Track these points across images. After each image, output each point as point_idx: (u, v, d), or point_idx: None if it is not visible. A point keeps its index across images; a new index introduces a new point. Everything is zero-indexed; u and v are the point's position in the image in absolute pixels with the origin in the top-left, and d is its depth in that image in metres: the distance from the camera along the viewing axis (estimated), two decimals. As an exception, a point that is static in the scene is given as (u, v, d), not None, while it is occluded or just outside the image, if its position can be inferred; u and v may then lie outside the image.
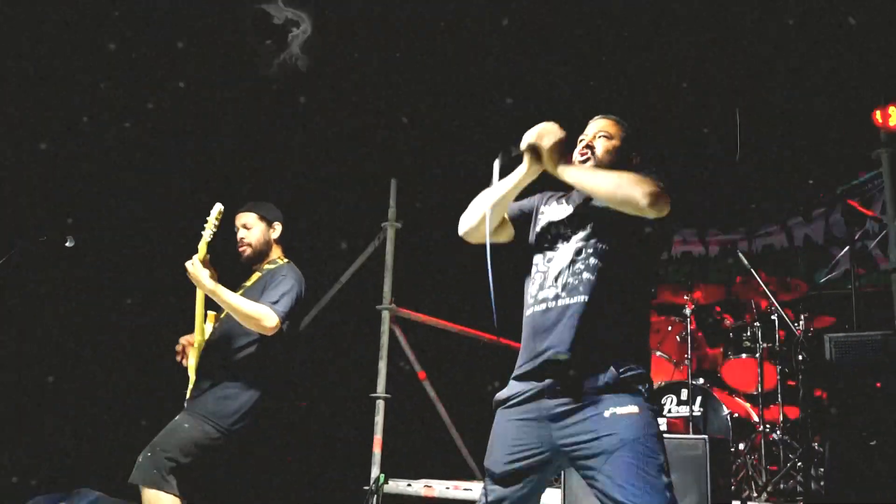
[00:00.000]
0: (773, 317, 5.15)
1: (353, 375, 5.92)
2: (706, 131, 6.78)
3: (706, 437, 3.57)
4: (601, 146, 2.50)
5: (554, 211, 2.52)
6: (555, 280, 2.35)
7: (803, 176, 6.97)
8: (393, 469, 5.53)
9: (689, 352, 5.26)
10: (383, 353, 5.66)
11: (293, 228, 6.33)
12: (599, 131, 2.53)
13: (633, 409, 2.17)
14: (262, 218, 3.65)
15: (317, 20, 5.44)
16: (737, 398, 5.33)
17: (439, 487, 5.10)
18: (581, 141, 2.55)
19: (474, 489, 4.94)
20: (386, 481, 5.29)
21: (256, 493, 5.17)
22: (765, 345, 5.08)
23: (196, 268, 3.23)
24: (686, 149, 7.17)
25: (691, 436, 3.66)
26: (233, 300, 3.26)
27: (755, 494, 4.58)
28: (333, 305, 6.21)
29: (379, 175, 6.27)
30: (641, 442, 2.13)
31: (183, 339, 3.52)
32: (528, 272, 2.48)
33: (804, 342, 4.72)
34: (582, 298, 2.27)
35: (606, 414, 2.17)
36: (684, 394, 5.15)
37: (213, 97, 5.63)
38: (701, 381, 5.15)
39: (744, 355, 5.26)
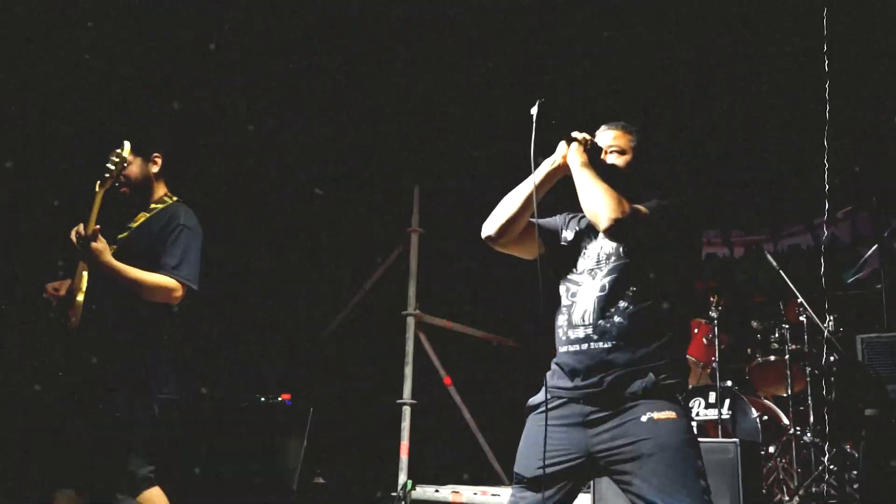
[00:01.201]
0: (801, 318, 5.10)
1: (379, 382, 5.94)
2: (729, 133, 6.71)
3: (737, 440, 3.54)
4: (614, 163, 2.43)
5: (579, 240, 2.46)
6: (582, 318, 2.30)
7: (829, 175, 6.89)
8: (420, 475, 5.55)
9: (717, 354, 5.23)
10: (409, 359, 5.68)
11: (317, 237, 6.45)
12: (610, 146, 2.44)
13: (671, 413, 2.15)
14: (137, 151, 3.09)
15: (342, 23, 5.47)
16: (766, 401, 5.28)
17: (467, 493, 5.10)
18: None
19: (502, 494, 4.93)
20: (413, 487, 5.30)
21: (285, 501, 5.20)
22: (793, 346, 5.03)
23: (100, 241, 2.82)
24: (708, 148, 7.12)
25: (722, 440, 3.63)
26: (135, 276, 2.88)
27: (787, 498, 4.53)
28: (358, 312, 6.24)
29: (403, 182, 6.30)
30: (679, 447, 2.11)
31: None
32: (556, 299, 2.44)
33: (834, 343, 4.66)
34: (613, 343, 2.25)
35: (644, 418, 2.15)
36: (712, 397, 5.12)
37: (238, 100, 5.67)
38: (729, 383, 5.11)
39: (772, 357, 5.21)
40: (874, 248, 6.49)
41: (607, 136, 2.46)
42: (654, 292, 2.28)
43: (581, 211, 2.41)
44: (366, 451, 5.73)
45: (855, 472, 4.51)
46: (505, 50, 5.82)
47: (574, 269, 2.41)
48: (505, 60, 5.96)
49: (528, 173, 2.38)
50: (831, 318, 4.93)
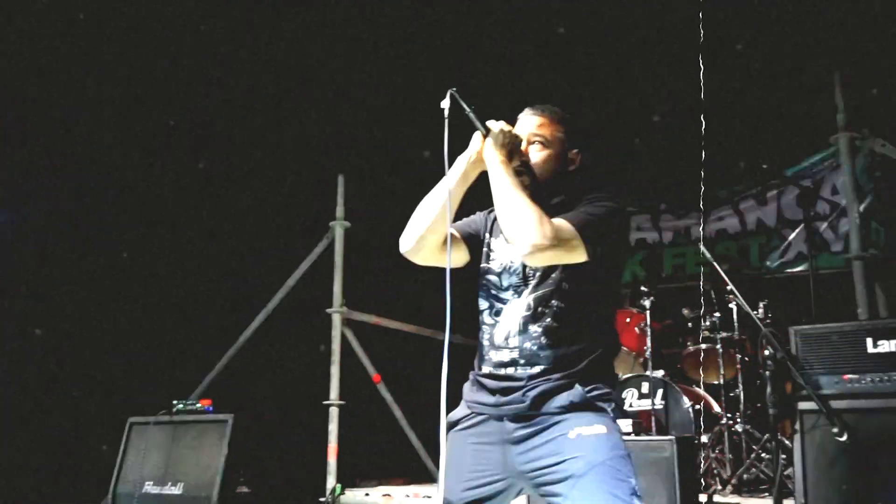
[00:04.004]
0: (730, 305, 5.08)
1: (304, 383, 5.69)
2: (657, 118, 6.69)
3: (673, 437, 3.46)
4: (536, 156, 2.17)
5: (502, 250, 2.23)
6: (506, 341, 2.12)
7: (756, 158, 6.93)
8: (350, 478, 5.35)
9: (649, 344, 5.17)
10: (335, 357, 5.45)
11: (237, 232, 6.15)
12: (533, 136, 2.18)
13: (601, 428, 2.01)
14: None
15: (264, 17, 5.23)
16: (697, 389, 5.25)
17: (398, 496, 4.92)
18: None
19: (434, 497, 4.77)
20: (343, 492, 5.09)
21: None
22: (724, 334, 5.01)
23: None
24: (637, 133, 7.09)
25: (659, 437, 3.55)
26: None
27: (720, 487, 4.50)
28: (282, 310, 5.95)
29: (326, 171, 6.03)
30: (610, 464, 1.96)
31: None
32: (478, 311, 2.24)
33: (766, 331, 4.63)
34: (542, 366, 2.08)
35: (571, 435, 2.00)
36: (645, 387, 5.06)
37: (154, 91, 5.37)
38: (661, 373, 5.06)
39: (703, 345, 5.18)
40: (798, 229, 6.56)
41: (530, 123, 2.20)
42: (582, 306, 2.11)
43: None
44: (292, 456, 5.48)
45: (784, 458, 4.52)
46: (431, 31, 5.64)
47: (498, 285, 2.20)
48: (432, 42, 5.79)
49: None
50: (762, 304, 4.91)
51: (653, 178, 7.48)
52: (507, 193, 2.04)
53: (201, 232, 6.05)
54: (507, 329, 2.12)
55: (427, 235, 2.19)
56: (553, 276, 2.11)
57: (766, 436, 4.53)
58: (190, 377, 5.75)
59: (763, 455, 4.58)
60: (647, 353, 5.11)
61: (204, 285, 5.99)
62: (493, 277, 2.21)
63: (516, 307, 2.13)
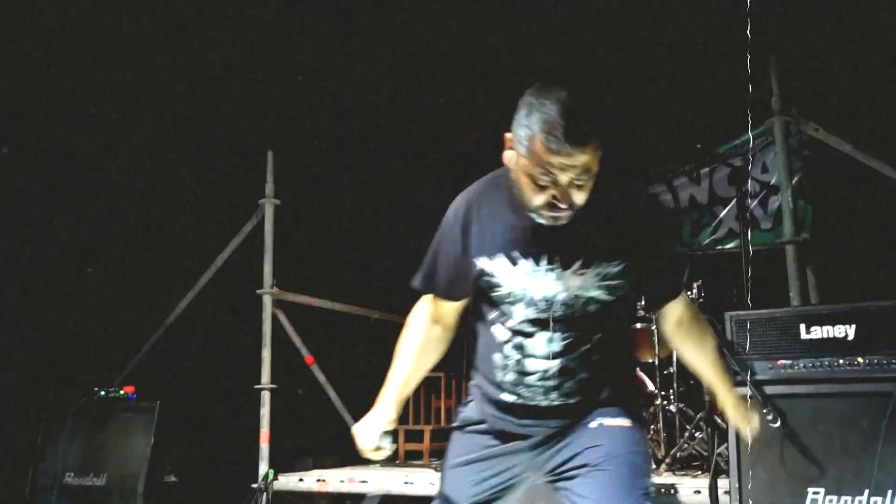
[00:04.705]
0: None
1: (234, 367, 5.51)
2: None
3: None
4: (579, 198, 1.72)
5: (513, 275, 1.88)
6: (542, 381, 1.92)
7: (688, 135, 6.97)
8: (284, 463, 5.23)
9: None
10: (266, 340, 5.28)
11: (161, 210, 5.89)
12: (577, 180, 1.68)
13: (624, 421, 1.91)
14: None
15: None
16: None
17: (333, 481, 4.82)
18: (547, 188, 1.70)
19: (370, 480, 4.70)
20: (275, 477, 4.97)
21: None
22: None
23: None
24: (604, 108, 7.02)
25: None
26: None
27: (654, 466, 4.55)
28: (210, 291, 5.73)
29: (255, 146, 5.80)
30: (629, 459, 1.86)
31: None
32: (483, 335, 2.02)
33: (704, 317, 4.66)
34: (577, 399, 1.93)
35: (593, 425, 1.90)
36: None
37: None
38: (597, 352, 5.06)
39: (639, 325, 5.20)
40: (730, 206, 6.64)
41: (571, 166, 1.65)
42: (618, 332, 2.00)
43: (493, 204, 1.91)
44: (222, 443, 5.32)
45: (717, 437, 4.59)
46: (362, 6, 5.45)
47: (515, 316, 1.92)
48: (363, 9, 5.59)
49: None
50: (696, 284, 4.95)
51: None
52: None
53: (133, 215, 5.77)
54: (542, 367, 1.92)
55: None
56: (597, 307, 1.88)
57: (700, 414, 4.59)
58: (112, 362, 5.50)
59: (696, 434, 4.64)
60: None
61: (127, 266, 5.72)
62: (506, 308, 1.94)
63: (548, 343, 1.91)
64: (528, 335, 1.91)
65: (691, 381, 4.97)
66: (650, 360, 5.09)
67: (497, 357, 1.97)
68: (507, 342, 1.94)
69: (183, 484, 4.92)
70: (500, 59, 6.14)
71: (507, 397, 1.98)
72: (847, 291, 4.48)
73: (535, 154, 1.66)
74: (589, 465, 1.86)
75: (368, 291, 6.47)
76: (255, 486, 4.94)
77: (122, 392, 5.02)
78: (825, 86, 5.00)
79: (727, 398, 2.12)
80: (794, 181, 4.69)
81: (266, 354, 5.24)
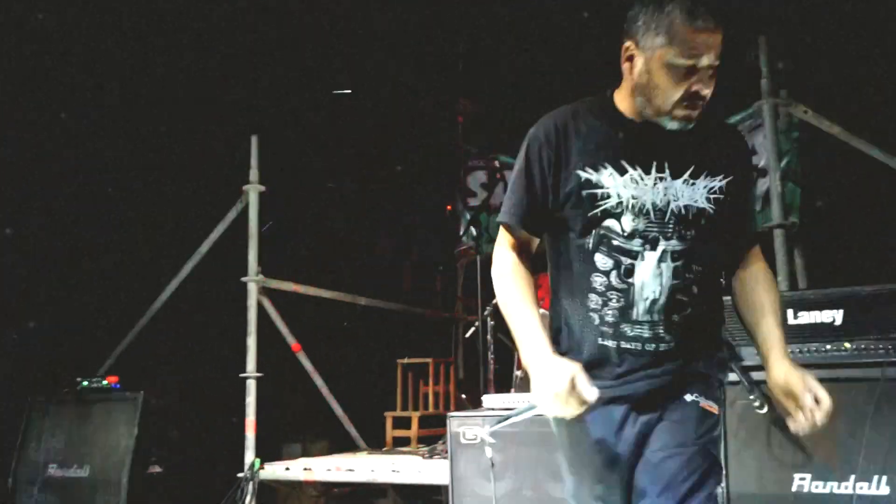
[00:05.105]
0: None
1: (220, 355, 5.45)
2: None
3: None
4: (709, 89, 1.79)
5: (621, 183, 1.82)
6: (649, 313, 1.83)
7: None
8: (271, 452, 5.19)
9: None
10: (251, 328, 5.22)
11: (143, 197, 5.81)
12: (714, 63, 1.75)
13: (714, 407, 1.87)
14: None
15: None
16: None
17: (319, 470, 4.79)
18: (688, 77, 1.74)
19: (357, 469, 4.66)
20: (261, 466, 4.93)
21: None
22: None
23: None
24: (560, 94, 6.97)
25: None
26: None
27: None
28: (195, 278, 5.67)
29: (239, 131, 5.72)
30: (707, 447, 1.83)
31: None
32: (576, 274, 1.89)
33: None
34: (681, 343, 1.85)
35: (688, 398, 1.84)
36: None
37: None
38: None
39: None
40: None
41: (711, 46, 1.74)
42: (717, 272, 1.95)
43: (602, 111, 1.90)
44: (208, 432, 5.28)
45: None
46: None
47: (622, 233, 1.83)
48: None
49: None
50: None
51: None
52: None
53: (116, 202, 5.69)
54: (648, 297, 1.82)
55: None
56: (706, 223, 1.84)
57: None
58: (95, 352, 5.44)
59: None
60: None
61: (110, 254, 5.64)
62: (612, 224, 1.83)
63: (654, 265, 1.82)
64: (636, 255, 1.82)
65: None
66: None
67: (594, 295, 1.86)
68: (610, 270, 1.84)
69: (168, 475, 4.88)
70: (485, 47, 6.09)
71: (606, 343, 1.86)
72: (836, 276, 4.45)
73: (679, 37, 1.72)
74: (673, 445, 1.81)
75: (355, 277, 6.43)
76: (240, 475, 4.90)
77: (105, 382, 4.96)
78: (815, 67, 4.95)
79: (783, 364, 1.85)
80: (782, 164, 4.64)
81: (251, 342, 5.18)
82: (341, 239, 6.55)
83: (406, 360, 6.09)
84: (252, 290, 5.29)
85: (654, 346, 1.85)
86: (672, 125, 1.80)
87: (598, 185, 1.84)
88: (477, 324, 5.43)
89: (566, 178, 1.86)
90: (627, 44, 1.82)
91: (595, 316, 1.87)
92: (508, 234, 1.99)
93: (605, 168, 1.84)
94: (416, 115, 6.91)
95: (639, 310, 1.83)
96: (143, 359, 5.44)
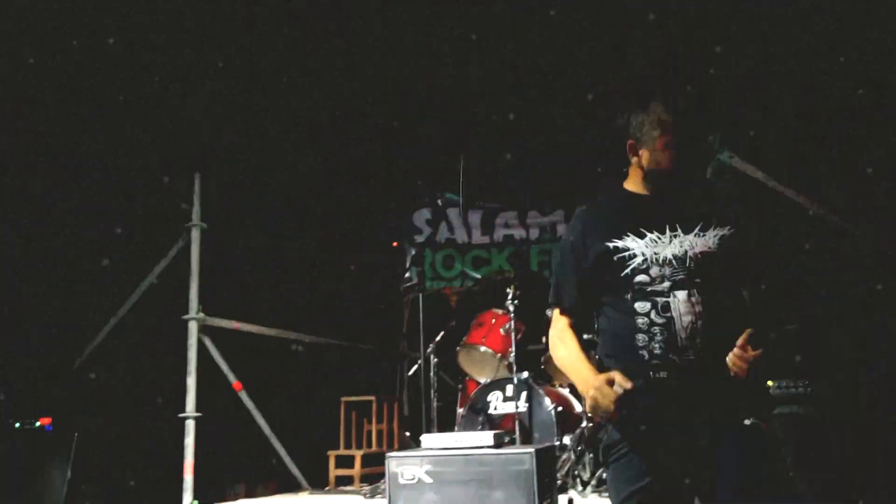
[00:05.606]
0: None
1: (158, 395, 5.37)
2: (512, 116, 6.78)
3: (533, 450, 3.47)
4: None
5: (641, 244, 2.25)
6: (691, 338, 2.15)
7: (617, 156, 7.11)
8: (213, 493, 5.12)
9: (514, 345, 5.21)
10: (191, 367, 5.17)
11: (83, 233, 5.72)
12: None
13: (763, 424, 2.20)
14: None
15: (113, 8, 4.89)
16: (561, 389, 5.35)
17: (260, 511, 4.75)
18: (671, 143, 2.27)
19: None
20: (200, 508, 4.86)
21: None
22: (585, 336, 5.09)
23: None
24: (504, 132, 7.14)
25: (518, 450, 3.56)
26: None
27: (580, 488, 4.60)
28: (134, 317, 5.59)
29: (181, 169, 5.71)
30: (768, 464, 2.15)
31: None
32: (620, 325, 2.24)
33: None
34: (723, 356, 2.13)
35: (748, 421, 2.16)
36: (510, 390, 5.10)
37: None
38: (525, 374, 5.10)
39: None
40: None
41: (689, 123, 2.34)
42: (741, 300, 2.29)
43: (612, 201, 2.39)
44: (145, 475, 5.17)
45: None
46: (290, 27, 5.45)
47: (652, 280, 2.21)
48: (291, 35, 5.59)
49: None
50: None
51: (520, 176, 7.59)
52: None
53: (43, 233, 5.58)
54: (687, 324, 2.15)
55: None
56: (717, 263, 2.21)
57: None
58: (28, 393, 5.30)
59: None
60: (512, 357, 5.14)
61: (47, 292, 5.53)
62: (643, 277, 2.22)
63: (685, 298, 2.17)
64: (669, 293, 2.18)
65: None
66: (577, 382, 5.15)
67: (640, 334, 2.18)
68: (649, 311, 2.18)
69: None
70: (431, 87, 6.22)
71: (656, 374, 2.15)
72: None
73: (660, 120, 2.27)
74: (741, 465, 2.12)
75: (299, 314, 6.41)
76: (178, 517, 4.82)
77: (38, 424, 4.84)
78: (742, 113, 5.18)
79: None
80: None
81: (191, 382, 5.13)
82: (286, 276, 6.54)
83: (350, 398, 6.09)
84: (192, 328, 5.25)
85: (698, 368, 2.14)
86: (675, 183, 2.31)
87: (624, 250, 2.24)
88: (420, 361, 5.47)
89: (599, 253, 2.27)
90: (630, 142, 2.33)
91: (644, 353, 2.18)
92: (559, 311, 2.43)
93: (628, 236, 2.25)
94: (362, 152, 6.99)
95: (681, 338, 2.15)
96: (79, 400, 5.32)
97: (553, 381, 5.48)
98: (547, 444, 4.27)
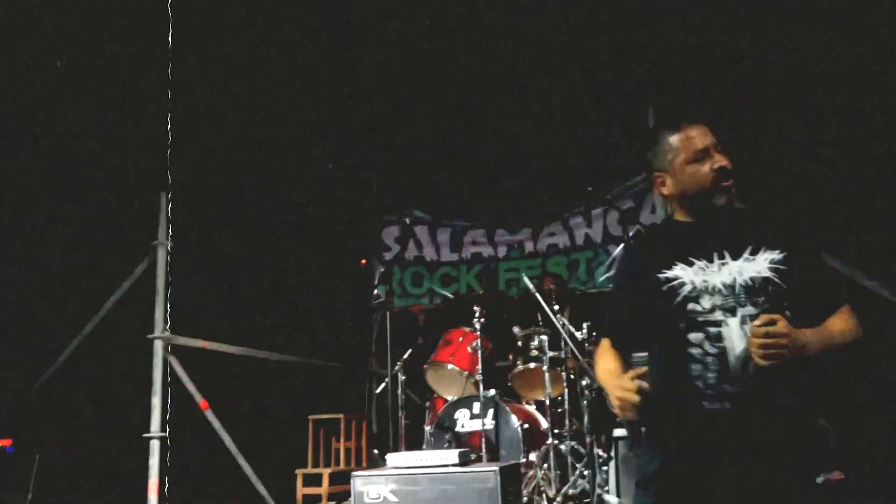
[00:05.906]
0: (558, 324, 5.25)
1: (122, 416, 5.32)
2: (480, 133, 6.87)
3: (497, 468, 3.51)
4: (726, 159, 2.24)
5: (691, 274, 2.18)
6: (742, 367, 2.08)
7: (583, 176, 7.24)
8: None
9: (481, 363, 5.24)
10: (156, 387, 5.13)
11: (48, 251, 5.67)
12: (713, 141, 2.26)
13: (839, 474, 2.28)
14: None
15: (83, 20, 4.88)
16: (527, 406, 5.39)
17: (226, 532, 4.71)
18: (713, 160, 2.19)
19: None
20: (165, 530, 4.81)
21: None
22: (552, 353, 5.16)
23: None
24: (472, 151, 7.22)
25: (483, 468, 3.60)
26: None
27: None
28: (99, 336, 5.55)
29: (147, 188, 5.68)
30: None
31: None
32: (673, 356, 2.14)
33: (584, 361, 4.83)
34: (775, 387, 2.08)
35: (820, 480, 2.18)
36: (477, 407, 5.14)
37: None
38: (492, 392, 5.14)
39: (532, 365, 5.32)
40: (622, 246, 6.91)
41: (698, 132, 2.24)
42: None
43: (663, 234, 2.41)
44: (108, 496, 5.12)
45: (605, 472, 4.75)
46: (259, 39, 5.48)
47: (703, 310, 2.15)
48: (259, 52, 5.61)
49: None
50: (586, 325, 5.11)
51: (488, 194, 7.67)
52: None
53: (7, 252, 5.53)
54: (740, 354, 2.09)
55: None
56: (767, 289, 2.12)
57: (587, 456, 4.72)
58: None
59: (585, 472, 4.77)
60: (479, 375, 5.17)
61: (9, 310, 5.47)
62: (694, 306, 2.16)
63: (738, 327, 2.11)
64: (720, 323, 2.11)
65: (584, 419, 5.12)
66: (542, 399, 5.21)
67: (694, 364, 2.12)
68: (702, 341, 2.12)
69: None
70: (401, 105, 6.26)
71: (711, 405, 2.09)
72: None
73: (680, 143, 2.21)
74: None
75: (266, 332, 6.40)
76: (142, 539, 4.77)
77: (-1, 445, 4.78)
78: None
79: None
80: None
81: (156, 402, 5.09)
82: (253, 294, 6.53)
83: (317, 416, 6.07)
84: (158, 347, 5.22)
85: (755, 394, 2.08)
86: (720, 200, 2.19)
87: (674, 279, 2.19)
88: (388, 379, 5.48)
89: (650, 284, 2.21)
90: (655, 174, 2.29)
91: (699, 383, 2.11)
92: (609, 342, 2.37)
93: (676, 265, 2.20)
94: (330, 170, 7.02)
95: (735, 367, 2.09)
96: (41, 420, 5.26)
97: (520, 399, 5.53)
98: (512, 461, 4.31)
